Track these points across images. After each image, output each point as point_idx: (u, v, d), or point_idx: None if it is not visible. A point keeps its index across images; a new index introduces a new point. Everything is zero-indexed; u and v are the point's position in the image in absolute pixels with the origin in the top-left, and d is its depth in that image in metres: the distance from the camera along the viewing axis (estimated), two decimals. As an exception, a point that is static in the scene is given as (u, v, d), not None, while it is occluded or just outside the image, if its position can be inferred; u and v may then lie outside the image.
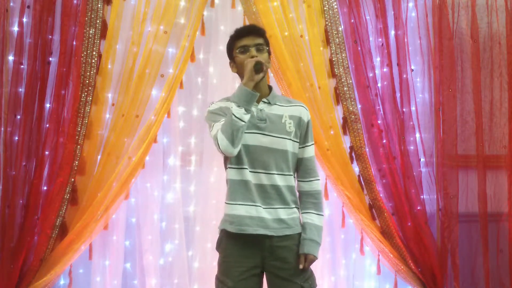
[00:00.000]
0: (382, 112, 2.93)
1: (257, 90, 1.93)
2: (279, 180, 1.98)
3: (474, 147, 3.04)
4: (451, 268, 2.92)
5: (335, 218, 3.01)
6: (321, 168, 2.78)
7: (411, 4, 3.06)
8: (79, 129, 2.71)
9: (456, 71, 3.02)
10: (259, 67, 1.89)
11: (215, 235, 2.08)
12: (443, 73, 2.99)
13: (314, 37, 2.89)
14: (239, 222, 1.94)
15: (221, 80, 2.96)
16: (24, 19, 2.72)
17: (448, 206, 2.93)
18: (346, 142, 2.91)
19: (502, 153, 3.06)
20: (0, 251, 2.59)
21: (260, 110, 2.00)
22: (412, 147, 2.95)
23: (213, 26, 3.00)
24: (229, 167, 2.00)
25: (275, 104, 2.04)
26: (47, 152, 2.68)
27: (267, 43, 2.04)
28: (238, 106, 1.87)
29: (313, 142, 2.10)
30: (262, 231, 1.93)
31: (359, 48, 2.91)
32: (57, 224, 2.65)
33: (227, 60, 2.09)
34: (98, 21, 2.76)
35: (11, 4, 2.74)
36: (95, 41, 2.76)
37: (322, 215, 2.07)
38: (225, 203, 2.01)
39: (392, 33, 3.00)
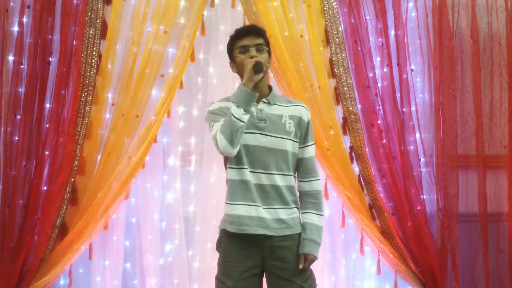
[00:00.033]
0: (382, 112, 2.93)
1: (257, 90, 1.93)
2: (279, 180, 1.98)
3: (474, 147, 3.04)
4: (451, 268, 2.92)
5: (335, 218, 3.01)
6: (321, 168, 2.78)
7: (411, 4, 3.06)
8: (79, 129, 2.71)
9: (456, 71, 3.02)
10: (258, 68, 1.89)
11: (215, 235, 2.08)
12: (443, 73, 2.99)
13: (314, 37, 2.89)
14: (239, 222, 1.94)
15: (221, 80, 2.96)
16: (24, 19, 2.72)
17: (448, 206, 2.93)
18: (346, 142, 2.91)
19: (502, 153, 3.06)
20: (0, 251, 2.59)
21: (260, 110, 2.00)
22: (412, 147, 2.95)
23: (213, 26, 3.00)
24: (229, 167, 2.00)
25: (275, 104, 2.04)
26: (47, 152, 2.68)
27: (267, 43, 2.04)
28: (237, 106, 1.87)
29: (313, 142, 2.10)
30: (262, 231, 1.93)
31: (359, 48, 2.91)
32: (57, 224, 2.65)
33: (227, 60, 2.09)
34: (98, 21, 2.76)
35: (11, 4, 2.74)
36: (95, 41, 2.76)
37: (322, 215, 2.07)
38: (225, 203, 2.01)
39: (392, 33, 3.00)
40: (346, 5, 2.94)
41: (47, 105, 2.73)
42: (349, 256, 3.05)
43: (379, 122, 2.91)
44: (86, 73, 2.73)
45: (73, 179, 2.69)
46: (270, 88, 2.08)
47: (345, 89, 2.89)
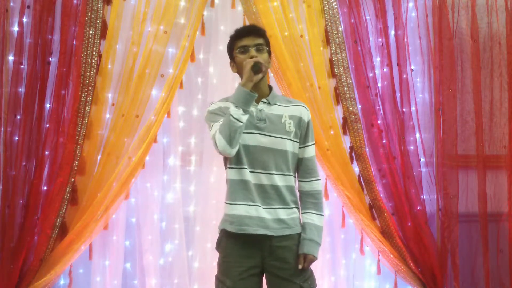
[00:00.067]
0: (382, 112, 2.93)
1: (256, 90, 1.93)
2: (279, 180, 1.98)
3: (474, 147, 3.04)
4: (451, 268, 2.92)
5: (335, 218, 3.01)
6: (321, 168, 2.78)
7: (411, 4, 3.06)
8: (79, 129, 2.71)
9: (456, 71, 3.02)
10: (258, 68, 1.89)
11: (215, 235, 2.08)
12: (443, 73, 2.99)
13: (314, 37, 2.89)
14: (239, 222, 1.94)
15: (221, 80, 2.96)
16: (24, 19, 2.72)
17: (448, 206, 2.93)
18: (346, 142, 2.91)
19: (502, 153, 3.06)
20: (0, 251, 2.59)
21: (260, 110, 2.00)
22: (412, 147, 2.95)
23: (213, 26, 3.00)
24: (229, 167, 2.00)
25: (275, 104, 2.04)
26: (47, 152, 2.68)
27: (267, 43, 2.04)
28: (236, 106, 1.87)
29: (313, 142, 2.10)
30: (262, 231, 1.93)
31: (359, 48, 2.91)
32: (57, 224, 2.65)
33: (227, 60, 2.09)
34: (98, 21, 2.76)
35: (11, 4, 2.74)
36: (95, 41, 2.76)
37: (322, 215, 2.07)
38: (225, 203, 2.01)
39: (392, 33, 3.00)
40: (346, 5, 2.94)
41: (47, 105, 2.73)
42: (349, 256, 3.05)
43: (379, 122, 2.91)
44: (86, 73, 2.73)
45: (73, 179, 2.69)
46: (270, 88, 2.08)
47: (345, 89, 2.89)
